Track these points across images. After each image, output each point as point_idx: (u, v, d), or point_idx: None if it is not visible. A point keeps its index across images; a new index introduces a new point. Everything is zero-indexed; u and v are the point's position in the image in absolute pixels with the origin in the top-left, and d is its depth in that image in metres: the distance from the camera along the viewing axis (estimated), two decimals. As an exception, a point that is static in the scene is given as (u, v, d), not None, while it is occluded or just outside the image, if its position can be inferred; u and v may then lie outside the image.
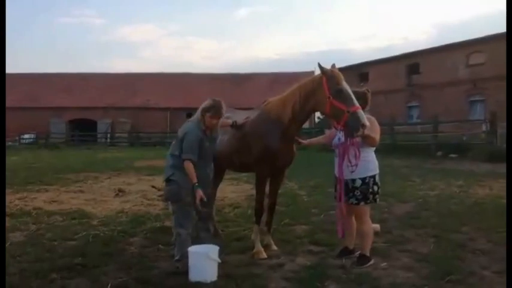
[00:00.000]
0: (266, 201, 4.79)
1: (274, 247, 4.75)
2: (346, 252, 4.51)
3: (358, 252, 4.41)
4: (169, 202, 4.44)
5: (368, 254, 4.30)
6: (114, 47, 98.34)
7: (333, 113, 4.01)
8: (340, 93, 3.94)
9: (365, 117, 3.88)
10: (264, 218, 4.80)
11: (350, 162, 4.12)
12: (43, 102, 42.05)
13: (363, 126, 3.83)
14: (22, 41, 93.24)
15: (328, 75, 4.04)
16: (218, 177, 5.78)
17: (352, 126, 3.87)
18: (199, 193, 3.99)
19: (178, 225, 4.21)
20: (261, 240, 4.66)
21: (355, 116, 3.84)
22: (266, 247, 4.67)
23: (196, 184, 4.02)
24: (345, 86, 3.98)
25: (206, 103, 4.21)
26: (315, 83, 4.17)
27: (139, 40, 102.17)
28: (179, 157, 4.17)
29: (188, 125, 4.25)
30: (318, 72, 4.26)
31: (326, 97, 3.99)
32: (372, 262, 4.25)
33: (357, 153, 4.10)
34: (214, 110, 4.15)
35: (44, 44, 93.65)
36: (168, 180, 4.28)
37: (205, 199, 4.03)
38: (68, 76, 45.67)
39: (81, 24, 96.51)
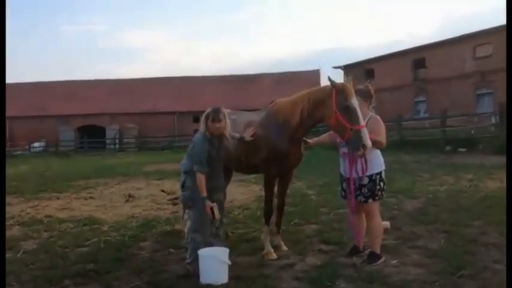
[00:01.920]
0: (275, 201, 4.80)
1: (284, 248, 4.75)
2: (356, 250, 4.50)
3: (368, 250, 4.40)
4: (188, 209, 4.51)
5: (378, 252, 4.29)
6: (117, 53, 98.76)
7: (337, 128, 4.01)
8: (346, 110, 3.91)
9: (368, 137, 3.85)
10: (274, 218, 4.81)
11: (357, 173, 4.14)
12: (51, 111, 42.58)
13: (364, 147, 3.83)
14: (27, 51, 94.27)
15: (338, 89, 3.99)
16: (226, 179, 5.81)
17: (353, 145, 3.88)
18: (209, 205, 4.03)
19: (194, 230, 4.25)
20: (271, 241, 4.66)
21: (358, 135, 3.83)
22: (276, 248, 4.67)
23: (205, 197, 4.06)
24: (353, 103, 3.93)
25: (206, 112, 4.29)
26: (324, 94, 4.13)
27: (142, 45, 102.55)
28: (190, 164, 4.28)
29: (196, 137, 4.32)
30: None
31: (333, 111, 3.97)
32: (382, 260, 4.24)
33: (364, 167, 4.10)
34: (213, 114, 4.21)
35: (48, 52, 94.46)
36: (182, 186, 4.39)
37: (216, 211, 4.06)
38: (74, 84, 46.14)
39: (85, 32, 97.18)
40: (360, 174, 4.12)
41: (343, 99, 3.94)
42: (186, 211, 4.77)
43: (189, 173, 4.27)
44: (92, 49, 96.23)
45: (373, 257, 4.25)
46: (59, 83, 46.49)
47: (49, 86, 45.48)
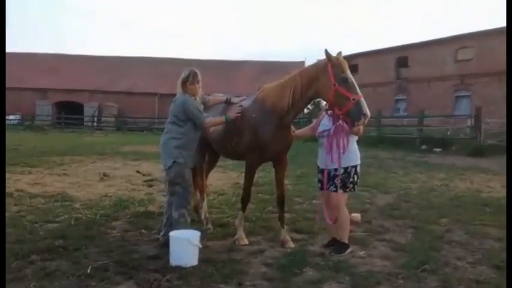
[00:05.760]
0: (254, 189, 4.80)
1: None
2: (334, 243, 4.49)
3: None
4: (172, 185, 4.38)
5: (346, 242, 4.38)
6: (100, 29, 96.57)
7: (337, 101, 4.02)
8: (345, 81, 3.98)
9: (367, 107, 3.93)
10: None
11: (338, 148, 4.18)
12: (29, 83, 41.26)
13: (365, 115, 3.90)
14: (8, 19, 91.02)
15: (334, 63, 4.04)
16: (211, 164, 5.71)
17: (355, 115, 3.93)
18: (233, 115, 4.38)
19: (182, 206, 4.31)
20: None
21: (358, 105, 3.90)
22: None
23: (225, 116, 4.44)
24: (350, 74, 4.02)
25: (182, 75, 4.44)
26: (318, 70, 4.16)
27: (128, 24, 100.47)
28: (180, 138, 4.31)
29: (182, 98, 4.39)
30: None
31: (331, 84, 4.00)
32: (350, 250, 4.34)
33: (345, 141, 4.17)
34: (192, 77, 4.42)
35: (29, 22, 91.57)
36: (172, 163, 4.30)
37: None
38: (55, 57, 44.80)
39: (66, 2, 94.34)
40: (341, 150, 4.18)
41: (339, 71, 4.01)
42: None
43: (182, 146, 4.30)
44: (72, 22, 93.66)
45: (341, 247, 4.34)
46: (39, 54, 45.05)
47: (29, 57, 44.02)
